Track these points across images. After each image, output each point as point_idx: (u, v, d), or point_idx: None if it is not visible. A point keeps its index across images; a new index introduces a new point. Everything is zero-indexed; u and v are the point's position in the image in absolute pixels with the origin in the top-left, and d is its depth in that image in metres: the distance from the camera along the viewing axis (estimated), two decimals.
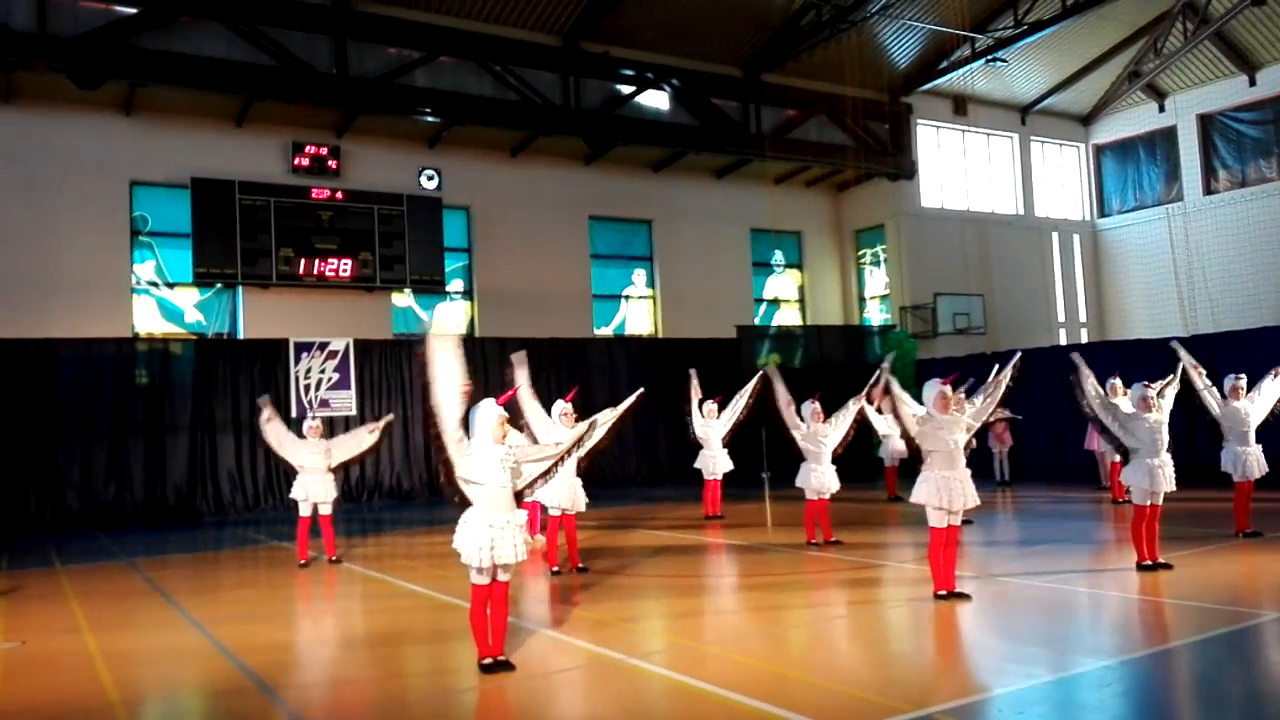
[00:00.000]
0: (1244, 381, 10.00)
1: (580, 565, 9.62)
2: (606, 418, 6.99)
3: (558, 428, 9.04)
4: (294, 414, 17.46)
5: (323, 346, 18.10)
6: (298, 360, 17.84)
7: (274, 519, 15.76)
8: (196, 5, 16.19)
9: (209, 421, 17.10)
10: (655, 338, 22.51)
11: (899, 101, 23.76)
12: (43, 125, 16.54)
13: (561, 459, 6.36)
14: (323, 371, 18.03)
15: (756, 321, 23.64)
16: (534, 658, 6.23)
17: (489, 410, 5.97)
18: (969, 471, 7.52)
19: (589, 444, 6.74)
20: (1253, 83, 23.84)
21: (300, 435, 11.00)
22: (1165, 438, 8.44)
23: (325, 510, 10.73)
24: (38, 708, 5.64)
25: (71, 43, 15.14)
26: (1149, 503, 8.35)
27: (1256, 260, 23.37)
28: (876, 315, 24.90)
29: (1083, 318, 27.00)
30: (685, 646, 6.56)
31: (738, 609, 8.09)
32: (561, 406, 9.27)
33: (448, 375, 5.80)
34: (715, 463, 13.16)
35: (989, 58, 22.13)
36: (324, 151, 18.70)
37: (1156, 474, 8.29)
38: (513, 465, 5.98)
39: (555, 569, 9.49)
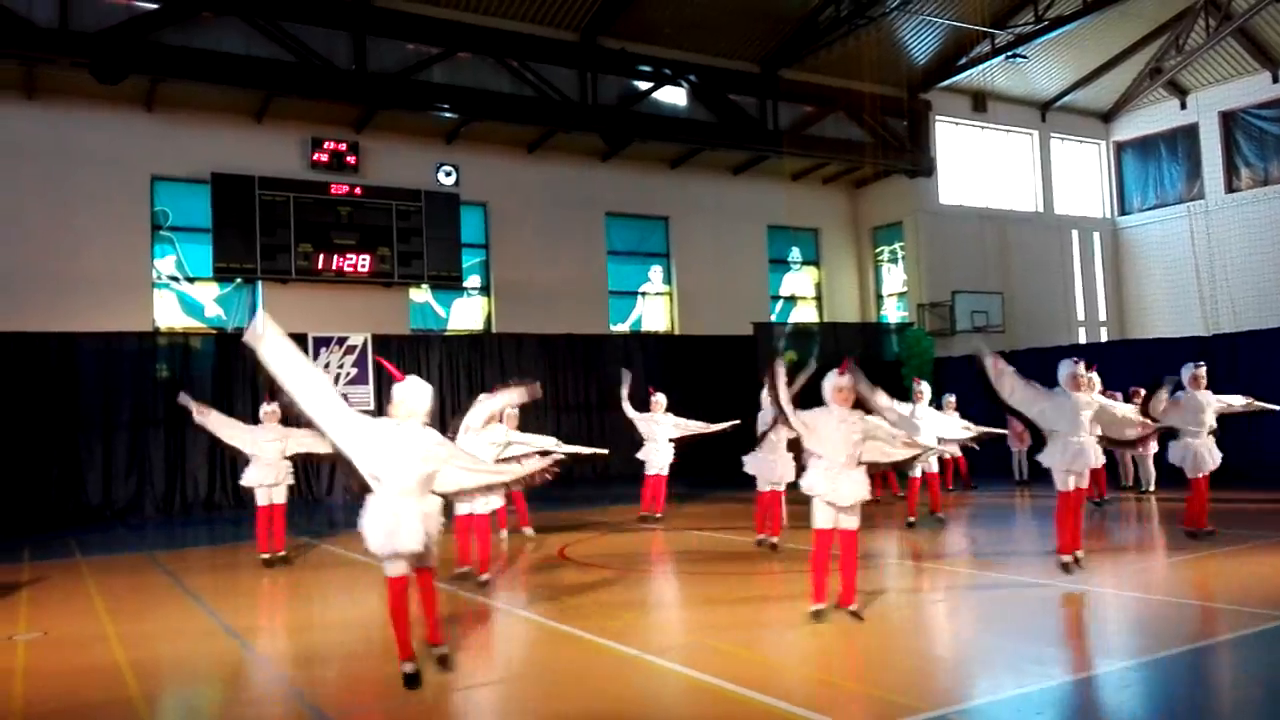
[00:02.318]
0: (1204, 370, 9.44)
1: (483, 575, 8.65)
2: (562, 451, 6.73)
3: (488, 431, 8.61)
4: None
5: (341, 341, 18.19)
6: (316, 355, 17.92)
7: (292, 513, 15.75)
8: (217, 1, 16.27)
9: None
10: (672, 334, 22.50)
11: (918, 98, 23.64)
12: (64, 120, 16.67)
13: (500, 486, 6.07)
14: (341, 366, 18.12)
15: (773, 319, 23.58)
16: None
17: (418, 388, 5.71)
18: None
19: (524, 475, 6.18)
20: (1275, 79, 23.58)
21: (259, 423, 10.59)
22: (1087, 419, 7.97)
23: (279, 499, 10.30)
24: (59, 697, 5.69)
25: (93, 38, 15.24)
26: (1072, 487, 7.94)
27: (1278, 259, 23.15)
28: (894, 313, 24.79)
29: (1103, 316, 26.80)
30: (700, 644, 6.54)
31: (745, 602, 8.07)
32: (506, 402, 8.71)
33: (291, 361, 5.50)
34: (660, 455, 12.86)
35: (1009, 54, 21.97)
36: (343, 147, 18.77)
37: (1073, 450, 7.83)
38: (429, 454, 5.57)
39: (463, 569, 8.94)
